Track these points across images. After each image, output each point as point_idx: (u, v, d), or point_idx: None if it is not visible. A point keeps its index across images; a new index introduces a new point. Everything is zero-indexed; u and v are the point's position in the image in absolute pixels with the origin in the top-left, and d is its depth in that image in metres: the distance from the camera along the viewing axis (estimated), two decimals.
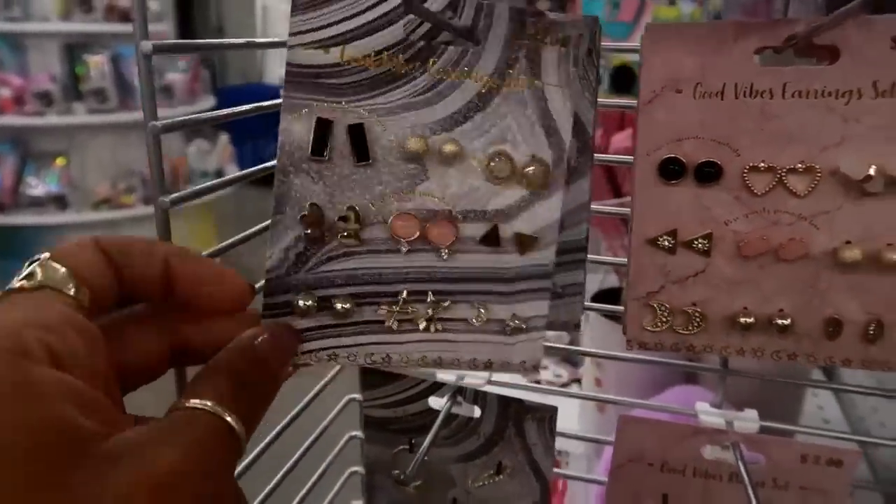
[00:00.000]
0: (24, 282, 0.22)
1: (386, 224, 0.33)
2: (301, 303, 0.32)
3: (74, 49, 2.75)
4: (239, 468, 0.38)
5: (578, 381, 0.97)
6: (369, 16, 0.31)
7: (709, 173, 0.32)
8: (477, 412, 0.43)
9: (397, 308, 0.33)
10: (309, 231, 0.32)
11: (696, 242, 0.34)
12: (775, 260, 0.33)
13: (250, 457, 0.41)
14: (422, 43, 0.31)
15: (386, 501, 0.49)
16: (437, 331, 0.34)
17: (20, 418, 0.18)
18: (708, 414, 0.42)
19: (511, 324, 0.34)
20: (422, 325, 0.33)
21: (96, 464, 0.18)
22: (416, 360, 0.34)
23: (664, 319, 0.35)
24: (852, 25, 0.29)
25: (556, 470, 0.61)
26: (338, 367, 0.49)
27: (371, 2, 0.30)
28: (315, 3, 0.30)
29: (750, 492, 0.35)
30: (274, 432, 0.44)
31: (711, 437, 0.39)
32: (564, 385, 0.97)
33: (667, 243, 0.34)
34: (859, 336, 0.34)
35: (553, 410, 0.41)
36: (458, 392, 0.43)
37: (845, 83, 0.30)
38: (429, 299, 0.33)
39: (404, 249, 0.33)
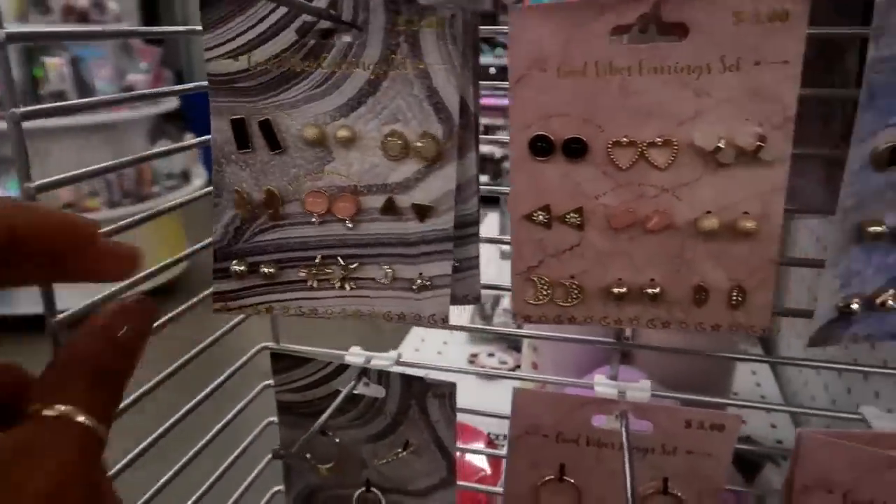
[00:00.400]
0: None
1: (301, 201, 0.38)
2: (235, 268, 0.39)
3: (32, 51, 2.71)
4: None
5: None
6: (264, 25, 0.35)
7: (576, 149, 0.34)
8: (382, 392, 0.45)
9: (315, 270, 0.39)
10: (238, 211, 0.38)
11: (568, 217, 0.36)
12: (643, 231, 0.35)
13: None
14: (312, 42, 0.35)
15: (303, 485, 0.50)
16: (351, 288, 0.39)
17: None
18: (603, 385, 0.44)
19: (418, 282, 0.38)
20: (337, 284, 0.39)
21: None
22: (339, 312, 0.40)
23: (545, 293, 0.38)
24: (699, 2, 0.31)
25: (493, 451, 0.64)
26: (252, 353, 0.50)
27: (263, 14, 0.35)
28: (221, 20, 0.35)
29: (626, 457, 0.38)
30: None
31: (601, 406, 0.42)
32: (512, 370, 0.99)
33: (542, 218, 0.36)
34: (725, 302, 0.36)
35: (452, 387, 0.43)
36: (364, 373, 0.45)
37: (695, 59, 0.32)
38: (340, 262, 0.39)
39: (316, 221, 0.38)
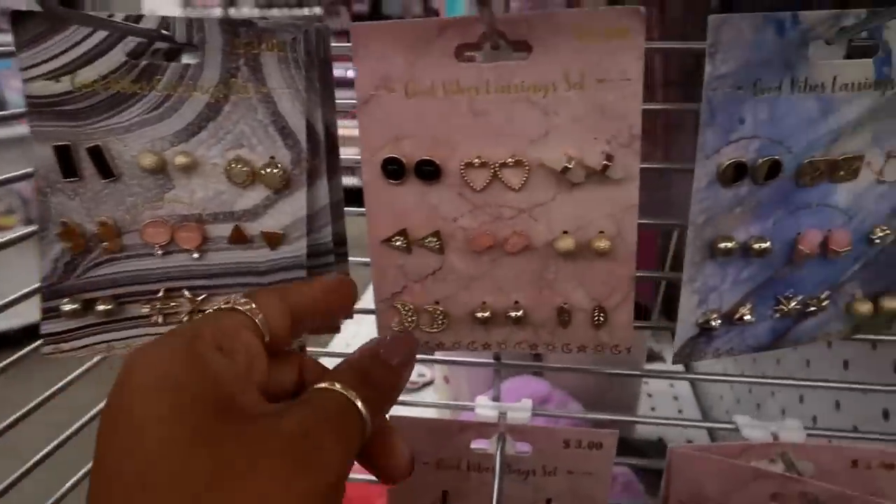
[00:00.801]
0: (225, 305, 0.27)
1: (140, 231, 0.35)
2: (66, 307, 0.36)
3: None
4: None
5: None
6: (87, 45, 0.33)
7: (428, 171, 0.33)
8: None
9: (159, 305, 0.36)
10: (67, 244, 0.35)
11: (427, 241, 0.34)
12: (504, 253, 0.34)
13: None
14: (144, 63, 0.33)
15: None
16: None
17: (189, 381, 0.22)
18: (484, 407, 0.43)
19: None
20: (185, 318, 0.37)
21: (239, 420, 0.22)
22: None
23: (410, 319, 0.36)
24: (539, 20, 0.30)
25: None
26: None
27: (84, 33, 0.32)
28: (36, 38, 0.33)
29: (496, 482, 0.37)
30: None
31: (479, 430, 0.41)
32: (427, 384, 0.97)
33: (400, 243, 0.35)
34: (588, 322, 0.36)
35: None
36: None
37: (540, 77, 0.31)
38: (185, 295, 0.36)
39: (158, 253, 0.36)
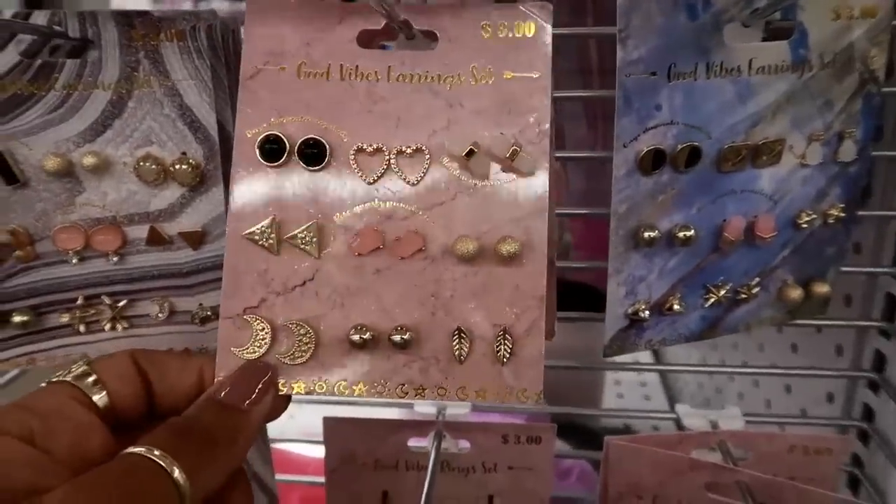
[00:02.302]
0: (59, 376, 0.26)
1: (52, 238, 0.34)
2: None
3: None
4: None
5: None
6: None
7: (313, 154, 0.29)
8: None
9: (79, 313, 0.35)
10: None
11: (301, 236, 0.29)
12: (392, 261, 0.30)
13: None
14: (39, 62, 0.31)
15: None
16: (124, 328, 0.36)
17: None
18: (422, 404, 0.43)
19: (200, 314, 0.36)
20: (107, 326, 0.35)
21: None
22: None
23: (262, 342, 0.30)
24: (445, 13, 0.29)
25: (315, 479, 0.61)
26: None
27: None
28: None
29: (427, 479, 0.36)
30: None
31: (416, 429, 0.40)
32: None
33: (266, 238, 0.29)
34: (491, 356, 0.29)
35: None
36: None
37: (446, 68, 0.29)
38: (105, 301, 0.35)
39: (73, 259, 0.34)
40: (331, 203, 0.30)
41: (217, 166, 0.33)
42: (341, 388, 0.30)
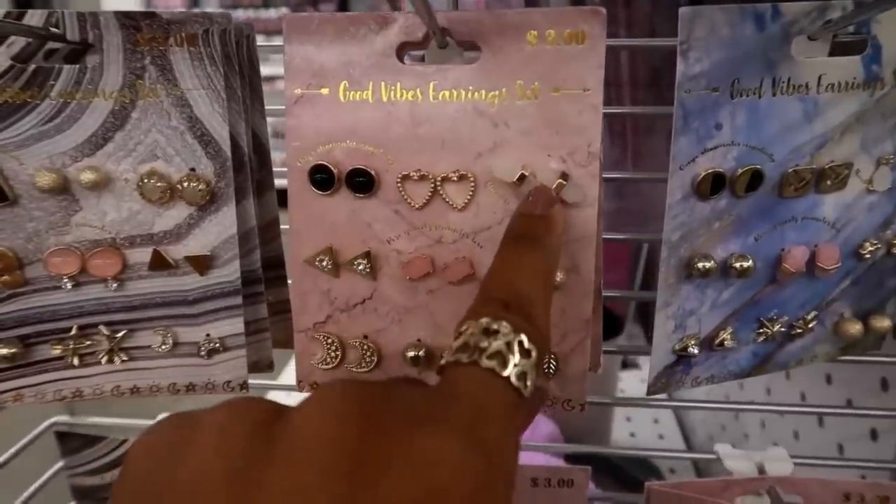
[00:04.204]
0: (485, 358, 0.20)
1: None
2: None
3: None
4: None
5: None
6: None
7: (361, 183, 0.29)
8: None
9: (73, 344, 0.32)
10: None
11: (356, 263, 0.30)
12: (443, 283, 0.30)
13: None
14: (33, 67, 0.28)
15: None
16: (123, 361, 0.33)
17: None
18: None
19: (206, 345, 0.33)
20: (104, 358, 0.33)
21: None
22: (111, 391, 0.33)
23: (333, 355, 0.32)
24: (488, 18, 0.27)
25: None
26: (40, 431, 0.43)
27: None
28: None
29: None
30: None
31: None
32: None
33: (326, 264, 0.30)
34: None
35: None
36: None
37: (489, 83, 0.27)
38: (102, 332, 0.32)
39: (67, 285, 0.31)
40: (381, 229, 0.30)
41: (229, 184, 0.30)
42: None
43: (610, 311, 0.70)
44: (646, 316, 1.11)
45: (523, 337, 0.20)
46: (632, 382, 1.00)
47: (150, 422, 0.42)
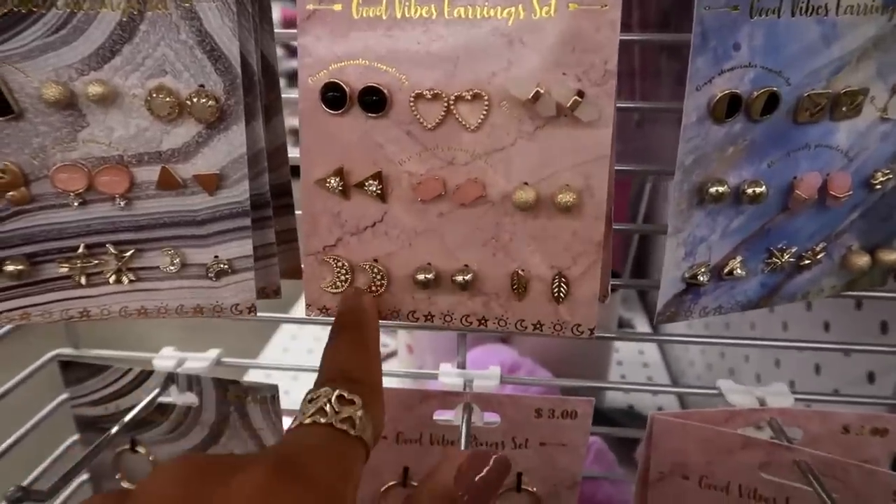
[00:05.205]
0: (347, 427, 0.24)
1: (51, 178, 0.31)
2: None
3: None
4: None
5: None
6: None
7: (373, 102, 0.28)
8: (195, 400, 0.38)
9: (80, 263, 0.32)
10: None
11: (367, 184, 0.30)
12: (454, 206, 0.30)
13: None
14: None
15: None
16: (130, 281, 0.33)
17: None
18: (447, 375, 0.40)
19: (215, 266, 0.32)
20: (112, 278, 0.32)
21: None
22: (118, 312, 0.33)
23: (343, 278, 0.32)
24: None
25: None
26: (42, 362, 0.43)
27: None
28: None
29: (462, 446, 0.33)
30: None
31: (443, 400, 0.37)
32: (391, 354, 0.93)
33: (335, 184, 0.30)
34: (548, 295, 0.31)
35: (273, 389, 0.37)
36: (172, 379, 0.38)
37: None
38: (109, 251, 0.32)
39: (75, 202, 0.31)
40: (394, 150, 0.30)
41: (239, 101, 0.30)
42: (414, 316, 0.33)
43: None
44: (640, 277, 1.12)
45: (344, 392, 0.25)
46: (627, 347, 1.02)
47: (153, 355, 0.42)
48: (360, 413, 0.24)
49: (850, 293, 0.35)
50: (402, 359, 0.81)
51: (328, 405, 0.24)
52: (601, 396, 0.84)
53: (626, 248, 0.88)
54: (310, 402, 0.25)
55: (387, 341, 0.96)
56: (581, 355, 0.76)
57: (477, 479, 0.25)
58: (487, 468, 0.26)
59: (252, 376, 0.78)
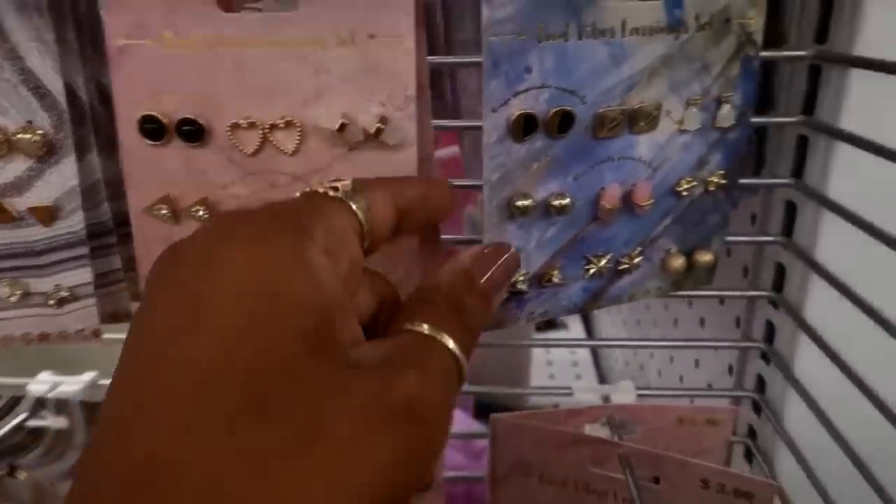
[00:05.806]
0: (329, 188, 0.23)
1: None
2: None
3: None
4: None
5: None
6: None
7: (190, 132, 0.30)
8: (65, 423, 0.39)
9: None
10: None
11: (194, 210, 0.31)
12: None
13: None
14: None
15: None
16: None
17: (289, 300, 0.18)
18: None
19: (56, 295, 0.33)
20: None
21: (340, 366, 0.18)
22: None
23: None
24: None
25: None
26: None
27: None
28: None
29: None
30: None
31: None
32: None
33: (165, 212, 0.31)
34: None
35: None
36: (40, 404, 0.39)
37: (309, 31, 0.28)
38: None
39: None
40: (216, 176, 0.31)
41: (67, 135, 0.31)
42: None
43: None
44: None
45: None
46: (560, 351, 1.04)
47: (26, 380, 0.42)
48: (347, 184, 0.24)
49: (676, 293, 0.37)
50: None
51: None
52: (524, 399, 0.86)
53: None
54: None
55: None
56: (499, 355, 0.78)
57: (496, 265, 0.27)
58: (506, 255, 0.28)
59: None
